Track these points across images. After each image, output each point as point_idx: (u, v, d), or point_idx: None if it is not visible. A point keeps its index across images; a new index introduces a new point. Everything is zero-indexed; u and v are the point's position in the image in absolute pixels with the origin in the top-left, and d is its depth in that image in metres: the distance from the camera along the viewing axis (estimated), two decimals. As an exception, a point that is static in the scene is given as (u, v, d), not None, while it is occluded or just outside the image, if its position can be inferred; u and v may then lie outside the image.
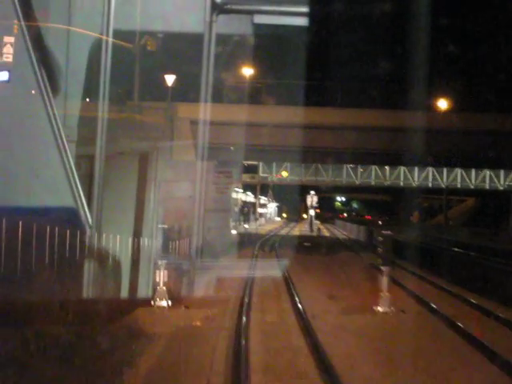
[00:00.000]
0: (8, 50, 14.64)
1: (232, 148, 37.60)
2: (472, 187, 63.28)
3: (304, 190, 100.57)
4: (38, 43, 15.43)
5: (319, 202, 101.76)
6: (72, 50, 17.14)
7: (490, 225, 66.22)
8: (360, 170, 63.60)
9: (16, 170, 14.91)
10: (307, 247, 47.40)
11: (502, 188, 62.40)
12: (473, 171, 62.29)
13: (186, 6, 19.70)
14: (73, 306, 12.84)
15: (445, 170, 63.01)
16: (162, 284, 17.01)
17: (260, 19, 19.24)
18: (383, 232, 19.72)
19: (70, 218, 16.17)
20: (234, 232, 40.69)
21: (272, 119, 34.97)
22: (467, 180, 63.15)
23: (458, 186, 63.91)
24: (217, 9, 19.12)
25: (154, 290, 17.23)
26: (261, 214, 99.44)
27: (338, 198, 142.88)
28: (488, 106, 37.78)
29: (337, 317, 17.16)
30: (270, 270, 27.94)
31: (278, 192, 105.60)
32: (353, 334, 15.08)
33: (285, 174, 63.59)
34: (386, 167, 63.14)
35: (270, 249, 43.96)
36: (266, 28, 20.64)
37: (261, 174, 65.05)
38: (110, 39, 16.72)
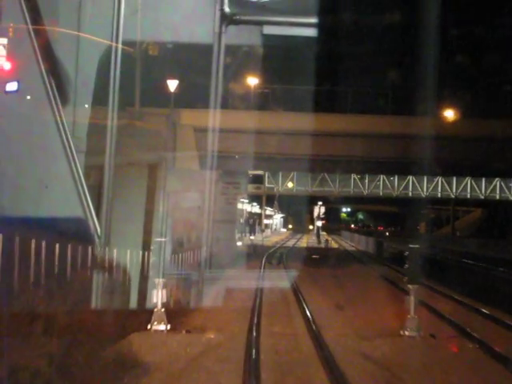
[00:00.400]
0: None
1: (237, 156, 36.33)
2: (482, 197, 62.21)
3: (310, 200, 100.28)
4: (47, 54, 15.46)
5: (325, 213, 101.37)
6: (81, 61, 17.17)
7: (498, 236, 65.66)
8: (367, 180, 62.64)
9: (25, 180, 14.90)
10: (316, 260, 45.80)
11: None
12: (483, 181, 61.29)
13: (196, 17, 19.73)
14: (62, 325, 11.70)
15: (454, 180, 62.09)
16: (159, 305, 15.20)
17: (269, 30, 19.24)
18: (411, 246, 18.15)
19: (78, 228, 16.16)
20: (239, 244, 39.74)
21: (279, 126, 33.86)
22: (477, 190, 62.24)
23: (468, 196, 62.85)
24: (226, 20, 19.14)
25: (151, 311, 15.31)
26: (266, 226, 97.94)
27: (344, 209, 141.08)
28: (500, 112, 36.55)
29: (357, 342, 15.08)
30: (279, 284, 26.47)
31: (284, 203, 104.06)
32: (379, 366, 13.00)
33: (290, 184, 62.77)
34: (395, 177, 62.46)
35: (277, 262, 42.31)
36: (274, 38, 20.63)
37: (267, 185, 63.97)
38: (120, 50, 16.72)
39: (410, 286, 15.91)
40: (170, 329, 15.12)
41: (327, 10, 23.70)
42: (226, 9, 19.06)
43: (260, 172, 58.62)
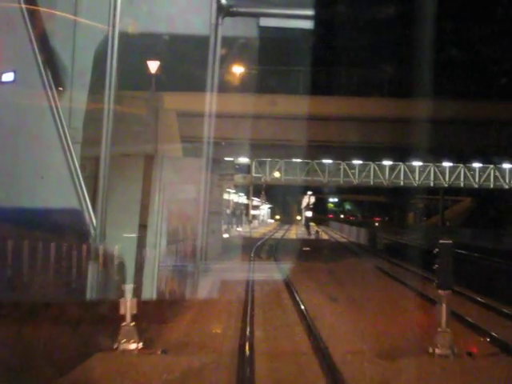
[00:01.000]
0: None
1: (223, 143, 33.77)
2: (476, 186, 60.44)
3: (299, 190, 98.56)
4: (43, 44, 15.42)
5: (313, 203, 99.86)
6: (78, 51, 17.12)
7: (489, 226, 64.70)
8: (357, 169, 60.38)
9: (21, 171, 14.88)
10: (308, 252, 42.90)
11: (507, 187, 59.27)
12: (477, 169, 59.51)
13: (192, 8, 19.70)
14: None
15: (447, 169, 60.27)
16: (128, 318, 12.45)
17: (266, 22, 19.23)
18: (442, 241, 13.54)
19: (74, 219, 16.14)
20: (226, 236, 37.83)
21: (267, 110, 30.83)
22: (470, 179, 60.41)
23: (461, 185, 61.01)
24: (223, 11, 19.12)
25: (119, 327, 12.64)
26: (254, 217, 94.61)
27: (331, 200, 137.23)
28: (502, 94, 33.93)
29: (376, 363, 11.99)
30: (271, 283, 24.55)
31: (272, 193, 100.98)
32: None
33: (277, 174, 60.53)
34: (386, 164, 60.20)
35: (267, 255, 40.15)
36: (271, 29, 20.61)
37: (254, 174, 61.16)
38: (116, 41, 16.66)
39: (440, 292, 13.11)
40: (143, 347, 12.38)
41: (324, 2, 23.56)
42: (223, 0, 19.04)
43: (247, 160, 56.20)
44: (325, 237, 70.19)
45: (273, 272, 28.37)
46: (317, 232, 69.94)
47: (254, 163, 58.66)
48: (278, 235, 71.68)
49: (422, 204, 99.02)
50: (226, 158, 42.64)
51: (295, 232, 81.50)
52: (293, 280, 24.69)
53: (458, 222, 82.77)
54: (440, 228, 76.15)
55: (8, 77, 14.80)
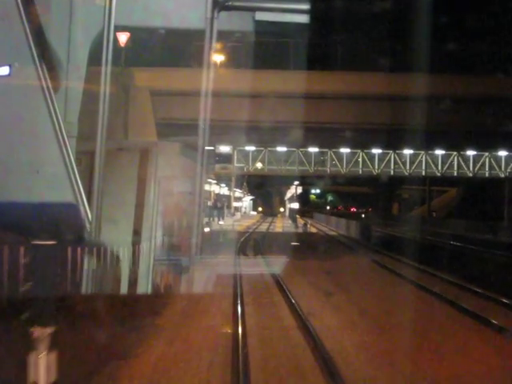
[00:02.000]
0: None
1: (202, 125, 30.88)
2: (470, 175, 58.73)
3: (282, 181, 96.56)
4: (38, 38, 15.37)
5: (296, 194, 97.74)
6: (73, 45, 17.09)
7: (476, 216, 63.40)
8: (345, 159, 57.59)
9: (16, 165, 14.84)
10: (297, 248, 39.42)
11: (503, 175, 57.80)
12: (471, 157, 57.75)
13: (187, 2, 19.64)
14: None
15: (440, 157, 58.09)
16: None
17: (262, 16, 19.21)
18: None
19: (69, 213, 16.13)
20: (207, 230, 34.53)
21: (254, 87, 27.00)
22: (464, 168, 58.33)
23: (455, 174, 59.15)
24: (218, 5, 19.08)
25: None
26: (236, 209, 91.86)
27: (313, 191, 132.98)
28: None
29: None
30: (265, 292, 21.24)
31: (254, 184, 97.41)
32: None
33: (260, 165, 57.17)
34: (375, 153, 57.66)
35: (254, 252, 36.17)
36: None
37: (236, 164, 57.56)
38: (112, 34, 16.62)
39: None
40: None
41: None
42: (218, -5, 19.02)
43: (228, 149, 52.99)
44: (312, 230, 67.12)
45: (263, 277, 24.98)
46: (305, 225, 66.46)
47: (235, 152, 55.37)
48: (263, 228, 68.70)
49: (406, 194, 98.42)
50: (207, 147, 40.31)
51: (281, 225, 78.63)
52: (291, 289, 21.06)
53: (443, 213, 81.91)
54: (428, 219, 74.86)
55: (3, 71, 14.75)
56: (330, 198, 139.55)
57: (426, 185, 76.80)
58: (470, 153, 57.34)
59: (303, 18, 19.46)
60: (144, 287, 18.03)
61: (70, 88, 16.89)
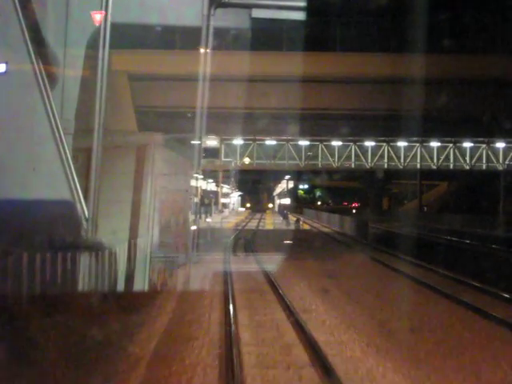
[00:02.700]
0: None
1: (189, 114, 26.43)
2: (467, 168, 56.45)
3: (272, 176, 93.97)
4: (35, 35, 15.36)
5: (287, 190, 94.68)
6: (70, 42, 17.07)
7: (468, 210, 62.68)
8: (337, 153, 54.97)
9: (13, 162, 14.83)
10: (291, 247, 36.27)
11: (501, 168, 55.96)
12: (468, 149, 55.70)
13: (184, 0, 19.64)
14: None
15: (435, 149, 55.80)
16: None
17: (258, 13, 19.22)
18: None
19: (66, 210, 16.14)
20: (193, 228, 32.20)
21: (240, 69, 24.08)
22: (461, 160, 56.08)
23: (451, 166, 56.73)
24: (214, 3, 19.09)
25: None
26: (224, 205, 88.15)
27: (301, 186, 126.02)
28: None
29: None
30: (255, 299, 18.37)
31: (241, 180, 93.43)
32: None
33: (247, 160, 54.36)
34: (368, 145, 55.24)
35: (245, 252, 33.41)
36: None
37: (223, 159, 54.83)
38: (108, 31, 16.63)
39: None
40: None
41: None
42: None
43: (215, 143, 49.48)
44: (305, 227, 63.27)
45: (258, 283, 21.86)
46: (297, 221, 62.29)
47: (223, 146, 53.04)
48: (253, 225, 64.62)
49: (396, 189, 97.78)
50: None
51: (271, 221, 74.95)
52: (291, 299, 17.99)
53: (434, 207, 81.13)
54: (421, 214, 73.82)
55: (0, 68, 14.73)
56: (318, 193, 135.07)
57: (417, 179, 75.57)
58: (467, 145, 55.67)
59: (299, 15, 19.50)
60: (140, 284, 18.06)
61: (67, 85, 16.87)
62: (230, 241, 38.62)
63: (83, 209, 16.45)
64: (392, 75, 25.87)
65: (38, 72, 15.30)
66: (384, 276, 24.46)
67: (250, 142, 54.31)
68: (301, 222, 63.19)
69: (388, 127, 37.86)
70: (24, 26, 14.89)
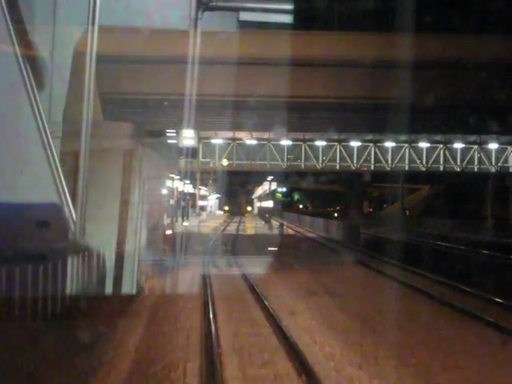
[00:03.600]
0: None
1: (166, 103, 24.69)
2: (458, 170, 54.59)
3: (251, 178, 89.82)
4: (22, 38, 15.31)
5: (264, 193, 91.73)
6: (57, 45, 17.02)
7: (450, 215, 60.91)
8: (321, 153, 52.38)
9: (0, 165, 14.77)
10: (277, 254, 32.65)
11: (494, 170, 54.15)
12: (458, 150, 53.89)
13: (171, 3, 19.60)
14: None
15: (424, 150, 53.70)
16: None
17: (245, 16, 19.22)
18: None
19: (54, 213, 16.08)
20: (168, 232, 30.17)
21: (219, 51, 21.07)
22: (451, 161, 54.12)
23: (441, 168, 54.66)
24: (202, 6, 19.07)
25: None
26: (201, 208, 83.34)
27: (280, 190, 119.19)
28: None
29: None
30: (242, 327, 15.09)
31: (220, 181, 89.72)
32: None
33: (225, 162, 51.88)
34: (354, 146, 53.00)
35: (227, 261, 29.70)
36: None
37: (201, 159, 51.81)
38: (96, 34, 16.59)
39: None
40: None
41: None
42: (202, -6, 18.99)
43: (193, 142, 45.62)
44: (289, 231, 59.43)
45: (245, 307, 17.91)
46: (281, 226, 58.34)
47: (201, 146, 50.03)
48: (232, 229, 60.63)
49: (377, 193, 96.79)
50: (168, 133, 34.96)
51: (251, 225, 70.74)
52: (292, 332, 14.25)
53: (416, 211, 79.42)
54: (405, 218, 72.18)
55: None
56: (296, 196, 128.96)
57: (399, 182, 73.44)
58: (458, 145, 54.15)
59: (287, 18, 19.49)
60: (128, 287, 18.01)
61: (55, 88, 16.82)
62: (209, 246, 36.07)
63: (71, 212, 16.41)
64: (394, 58, 22.10)
65: (25, 74, 15.25)
66: (403, 296, 19.87)
67: (230, 141, 51.92)
68: (284, 227, 59.15)
69: (384, 119, 32.03)
70: (11, 27, 14.84)
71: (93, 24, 16.11)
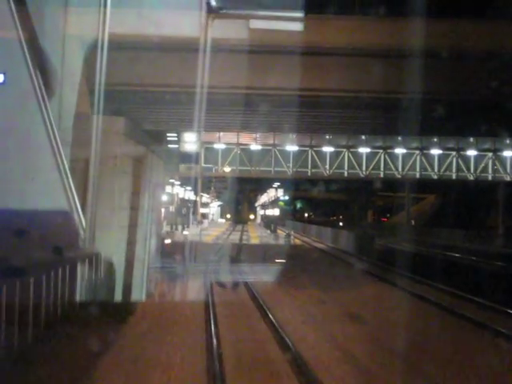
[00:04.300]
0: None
1: (167, 96, 22.20)
2: (472, 178, 52.55)
3: (255, 185, 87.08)
4: (33, 46, 15.39)
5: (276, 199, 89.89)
6: (67, 53, 17.09)
7: (455, 225, 59.04)
8: (328, 160, 50.41)
9: (10, 172, 14.84)
10: (286, 268, 29.08)
11: (509, 178, 51.99)
12: (472, 158, 51.91)
13: (182, 11, 19.59)
14: None
15: (436, 157, 51.81)
16: None
17: (256, 24, 19.19)
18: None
19: (64, 221, 16.14)
20: (167, 241, 27.91)
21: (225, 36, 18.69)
22: (464, 169, 52.16)
23: (454, 176, 52.83)
24: (212, 13, 19.07)
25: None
26: (203, 215, 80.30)
27: (282, 198, 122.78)
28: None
29: None
30: None
31: (221, 188, 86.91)
32: None
33: (227, 169, 49.38)
34: (363, 152, 50.83)
35: (232, 280, 24.32)
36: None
37: (203, 165, 49.15)
38: (106, 42, 16.64)
39: None
40: None
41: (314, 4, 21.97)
42: (213, 2, 18.99)
43: (195, 146, 41.60)
44: (297, 241, 56.02)
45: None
46: (288, 235, 55.40)
47: (203, 150, 47.23)
48: (235, 238, 56.79)
49: (381, 202, 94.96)
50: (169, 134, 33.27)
51: (255, 235, 66.96)
52: None
53: (422, 221, 77.51)
54: (413, 228, 70.17)
55: (-2, 78, 14.77)
56: (299, 205, 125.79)
57: (405, 191, 70.21)
58: (471, 153, 52.18)
59: (297, 26, 19.44)
60: (138, 295, 18.00)
61: (65, 95, 16.88)
62: (211, 260, 31.58)
63: (81, 219, 16.46)
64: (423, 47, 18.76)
65: (35, 82, 15.33)
66: (448, 324, 17.05)
67: (233, 146, 49.36)
68: (291, 237, 56.19)
69: (404, 118, 27.10)
70: (22, 36, 14.93)
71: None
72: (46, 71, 15.88)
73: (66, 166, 16.22)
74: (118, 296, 17.12)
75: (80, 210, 16.48)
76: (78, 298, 15.27)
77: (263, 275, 25.51)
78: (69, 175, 16.21)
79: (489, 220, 61.84)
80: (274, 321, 16.01)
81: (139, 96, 22.07)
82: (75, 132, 17.16)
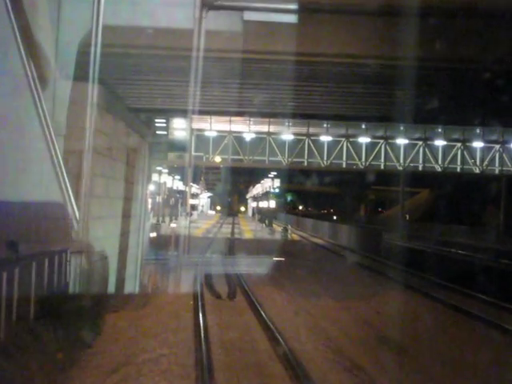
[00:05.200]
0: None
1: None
2: (478, 171, 49.64)
3: (247, 175, 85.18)
4: (26, 36, 15.31)
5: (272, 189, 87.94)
6: (61, 44, 17.01)
7: (453, 219, 58.22)
8: (326, 149, 47.28)
9: (4, 163, 14.78)
10: (286, 268, 26.84)
11: None
12: (477, 149, 49.33)
13: (175, 2, 19.48)
14: None
15: (440, 148, 49.16)
16: None
17: (250, 16, 19.09)
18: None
19: (57, 212, 16.09)
20: (152, 235, 25.79)
21: None
22: (470, 163, 49.23)
23: (458, 169, 49.89)
24: (206, 5, 18.97)
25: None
26: (192, 207, 75.46)
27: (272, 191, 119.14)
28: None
29: None
30: None
31: (213, 178, 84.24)
32: None
33: (218, 159, 47.27)
34: (363, 142, 48.35)
35: (229, 290, 20.05)
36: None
37: (193, 153, 44.47)
38: (100, 33, 16.56)
39: None
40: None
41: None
42: (207, -7, 18.84)
43: (184, 133, 39.08)
44: (294, 237, 53.62)
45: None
46: (285, 230, 53.17)
47: (193, 139, 43.81)
48: (227, 232, 53.92)
49: (373, 196, 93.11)
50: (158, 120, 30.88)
51: (248, 228, 64.31)
52: None
53: (416, 216, 76.23)
54: (408, 223, 67.73)
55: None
56: (289, 197, 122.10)
57: (400, 185, 70.36)
58: (478, 145, 49.24)
59: (292, 18, 19.35)
60: (131, 287, 17.99)
61: (58, 87, 16.81)
62: (202, 257, 27.63)
63: (74, 210, 16.41)
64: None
65: (29, 73, 15.26)
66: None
67: (225, 134, 46.45)
68: (289, 232, 53.64)
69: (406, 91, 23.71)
70: (15, 26, 14.84)
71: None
72: (40, 62, 15.80)
73: (60, 158, 16.14)
74: (112, 288, 17.10)
75: (74, 201, 16.40)
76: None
77: (261, 274, 21.74)
78: (62, 167, 16.13)
79: (485, 215, 61.16)
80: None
81: (120, 62, 18.94)
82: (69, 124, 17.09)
